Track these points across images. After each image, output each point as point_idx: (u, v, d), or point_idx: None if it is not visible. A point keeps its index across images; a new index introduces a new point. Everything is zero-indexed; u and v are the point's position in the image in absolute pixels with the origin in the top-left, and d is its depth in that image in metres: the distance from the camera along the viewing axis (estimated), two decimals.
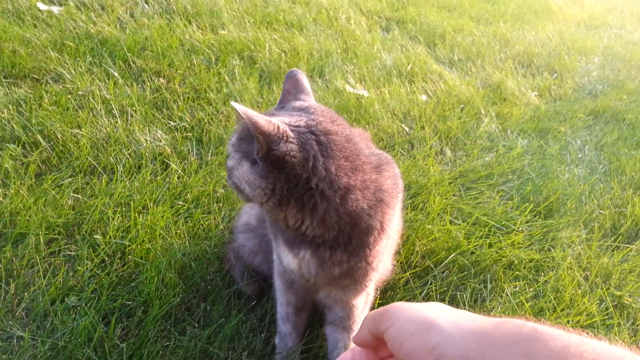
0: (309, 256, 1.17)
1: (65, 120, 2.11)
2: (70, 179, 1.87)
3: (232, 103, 1.01)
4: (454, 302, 1.71)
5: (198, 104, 2.50)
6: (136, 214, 1.75)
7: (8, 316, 1.41)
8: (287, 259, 1.23)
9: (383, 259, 1.32)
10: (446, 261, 1.83)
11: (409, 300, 1.69)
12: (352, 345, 1.41)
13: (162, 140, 2.17)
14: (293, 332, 1.46)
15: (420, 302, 0.71)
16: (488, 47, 4.37)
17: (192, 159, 2.12)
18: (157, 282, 1.52)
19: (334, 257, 1.16)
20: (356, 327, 1.44)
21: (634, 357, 0.46)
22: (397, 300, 1.67)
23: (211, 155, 2.17)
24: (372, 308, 1.61)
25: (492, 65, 4.00)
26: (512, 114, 3.23)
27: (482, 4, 5.84)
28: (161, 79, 2.62)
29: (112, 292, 1.51)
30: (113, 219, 1.72)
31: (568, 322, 1.71)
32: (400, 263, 1.81)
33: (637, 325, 1.81)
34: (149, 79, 2.59)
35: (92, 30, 2.86)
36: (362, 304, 1.41)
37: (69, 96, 2.28)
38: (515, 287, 1.82)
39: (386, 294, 1.71)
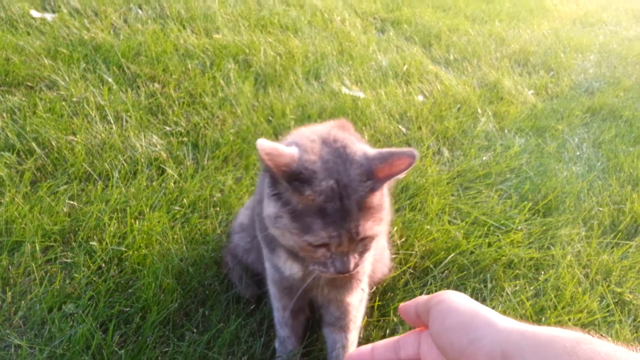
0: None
1: (59, 127, 2.10)
2: (65, 186, 1.86)
3: None
4: None
5: (193, 108, 2.50)
6: (132, 220, 1.74)
7: (5, 325, 1.40)
8: (291, 269, 1.22)
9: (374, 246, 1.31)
10: (445, 261, 1.82)
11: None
12: (350, 345, 1.41)
13: (158, 146, 2.16)
14: (292, 336, 1.45)
15: None
16: (484, 46, 4.37)
17: (188, 163, 2.11)
18: (154, 288, 1.51)
19: None
20: (353, 326, 1.43)
21: None
22: (398, 302, 1.66)
23: (207, 160, 2.16)
24: (371, 310, 1.60)
25: (488, 65, 4.00)
26: (509, 113, 3.22)
27: (477, 3, 5.84)
28: (156, 84, 2.62)
29: (110, 298, 1.50)
30: (109, 225, 1.71)
31: (569, 320, 1.70)
32: (400, 264, 1.80)
33: (639, 322, 1.80)
34: (144, 84, 2.58)
35: (85, 36, 2.85)
36: (357, 301, 1.40)
37: (63, 103, 2.27)
38: (516, 286, 1.81)
39: (386, 296, 1.70)
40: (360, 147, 1.06)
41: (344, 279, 1.29)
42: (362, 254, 1.06)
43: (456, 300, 0.62)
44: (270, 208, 1.03)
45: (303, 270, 1.20)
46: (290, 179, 0.96)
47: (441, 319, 0.61)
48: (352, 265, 1.04)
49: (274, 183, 1.01)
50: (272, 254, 1.25)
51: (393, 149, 1.05)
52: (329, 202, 0.96)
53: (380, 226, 1.04)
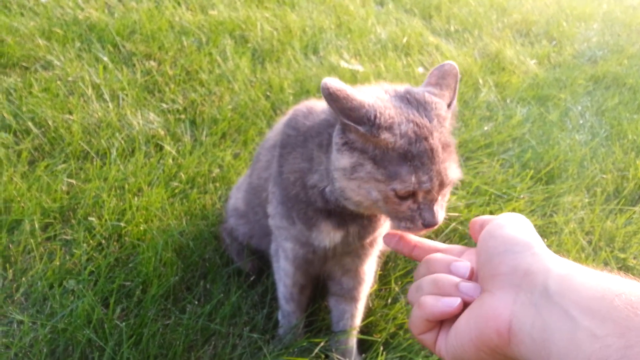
0: (355, 227, 1.16)
1: (56, 106, 2.09)
2: (63, 165, 1.85)
3: None
4: None
5: (190, 85, 2.47)
6: (131, 196, 1.73)
7: (7, 301, 1.40)
8: (333, 239, 1.18)
9: None
10: (447, 230, 1.81)
11: (409, 271, 1.67)
12: (359, 314, 1.42)
13: (155, 123, 2.15)
14: (297, 310, 1.44)
15: None
16: (485, 16, 4.31)
17: (186, 140, 2.10)
18: (154, 262, 1.51)
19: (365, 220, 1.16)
20: (363, 295, 1.43)
21: None
22: (399, 272, 1.66)
23: (205, 136, 2.14)
24: (374, 280, 1.59)
25: (489, 35, 3.95)
26: (511, 83, 3.19)
27: None
28: (152, 62, 2.59)
29: (110, 273, 1.50)
30: (108, 202, 1.70)
31: None
32: None
33: None
34: (140, 62, 2.56)
35: (80, 16, 2.82)
36: (371, 270, 1.40)
37: (59, 82, 2.25)
38: None
39: (387, 265, 1.69)
40: (415, 88, 1.00)
41: (362, 248, 1.28)
42: (443, 204, 0.97)
43: (513, 221, 0.63)
44: (343, 159, 0.93)
45: (343, 239, 1.18)
46: (362, 122, 0.88)
47: (497, 225, 0.63)
48: (441, 217, 0.94)
49: (344, 132, 0.93)
50: (310, 230, 1.17)
51: (432, 74, 1.01)
52: (412, 144, 0.88)
53: (459, 169, 0.98)
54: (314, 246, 1.23)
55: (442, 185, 0.91)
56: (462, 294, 0.62)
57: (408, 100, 0.94)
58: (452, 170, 0.93)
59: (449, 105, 0.97)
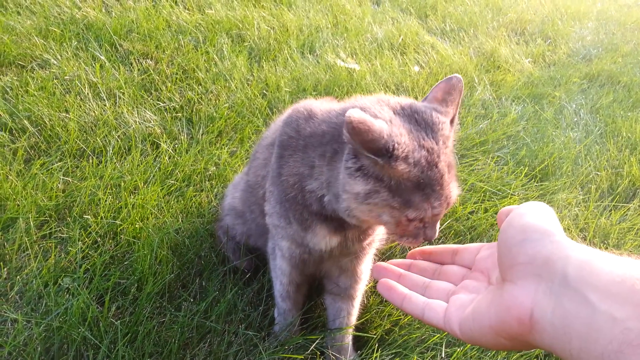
0: (354, 232, 1.18)
1: (52, 105, 2.09)
2: (59, 163, 1.85)
3: None
4: None
5: (187, 84, 2.48)
6: (127, 194, 1.74)
7: (2, 300, 1.40)
8: (329, 243, 1.20)
9: None
10: (442, 227, 1.82)
11: None
12: (354, 312, 1.43)
13: (152, 121, 2.15)
14: (293, 308, 1.45)
15: None
16: (480, 16, 4.32)
17: (183, 138, 2.10)
18: (150, 260, 1.51)
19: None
20: (359, 293, 1.43)
21: None
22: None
23: (202, 134, 2.15)
24: (370, 277, 1.60)
25: (484, 34, 3.96)
26: (506, 81, 3.20)
27: None
28: (149, 61, 2.59)
29: (105, 271, 1.50)
30: (104, 200, 1.71)
31: None
32: None
33: None
34: (137, 61, 2.56)
35: (77, 15, 2.82)
36: (367, 269, 1.41)
37: (56, 81, 2.25)
38: None
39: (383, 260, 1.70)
40: (421, 104, 1.01)
41: (361, 249, 1.30)
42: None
43: (533, 209, 0.63)
44: (357, 185, 0.95)
45: (341, 243, 1.20)
46: (380, 154, 0.89)
47: (511, 219, 0.62)
48: (438, 230, 1.02)
49: (356, 157, 0.94)
50: (305, 232, 1.18)
51: (438, 86, 1.03)
52: (424, 172, 0.91)
53: (459, 186, 1.02)
54: (309, 248, 1.23)
55: (448, 206, 0.97)
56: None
57: (416, 121, 0.96)
58: (455, 190, 0.98)
59: (451, 122, 1.00)
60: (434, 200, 0.93)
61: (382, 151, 0.88)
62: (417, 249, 0.85)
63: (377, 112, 0.95)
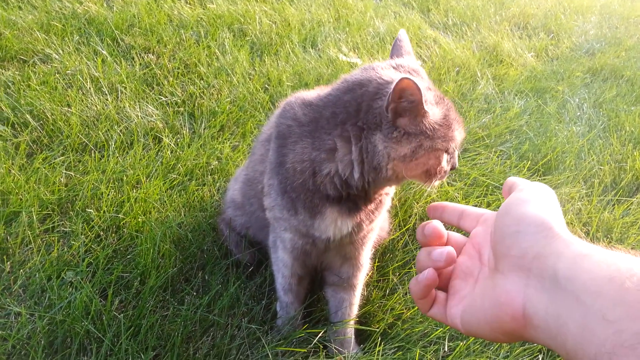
0: (362, 214, 1.20)
1: (54, 99, 2.09)
2: (62, 157, 1.85)
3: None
4: None
5: (189, 78, 2.47)
6: (129, 188, 1.74)
7: (5, 293, 1.40)
8: (331, 227, 1.20)
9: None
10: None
11: (407, 261, 1.67)
12: (356, 302, 1.43)
13: (154, 116, 2.15)
14: (295, 301, 1.45)
15: None
16: (483, 9, 4.30)
17: (185, 132, 2.10)
18: (153, 254, 1.51)
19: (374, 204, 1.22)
20: (361, 283, 1.44)
21: None
22: (397, 263, 1.66)
23: (204, 129, 2.14)
24: (371, 271, 1.60)
25: (487, 28, 3.94)
26: (509, 75, 3.18)
27: None
28: (150, 55, 2.59)
29: (108, 265, 1.50)
30: (106, 194, 1.71)
31: None
32: (399, 225, 1.80)
33: None
34: (138, 55, 2.55)
35: (78, 10, 2.81)
36: (368, 258, 1.42)
37: (57, 76, 2.25)
38: None
39: (385, 257, 1.70)
40: (400, 60, 1.17)
41: (362, 236, 1.31)
42: None
43: (535, 196, 0.62)
44: (402, 148, 1.03)
45: (352, 226, 1.21)
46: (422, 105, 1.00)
47: (510, 205, 0.62)
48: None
49: (393, 124, 1.02)
50: (313, 219, 1.19)
51: (396, 46, 1.22)
52: (443, 105, 1.06)
53: None
54: (314, 237, 1.23)
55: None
56: (434, 262, 0.69)
57: (409, 72, 1.09)
58: None
59: None
60: (458, 126, 1.08)
61: (422, 102, 0.98)
62: (436, 203, 0.84)
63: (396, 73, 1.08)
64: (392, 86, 0.96)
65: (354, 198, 1.15)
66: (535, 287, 0.53)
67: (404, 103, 0.98)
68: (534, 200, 0.61)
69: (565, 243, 0.54)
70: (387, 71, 1.08)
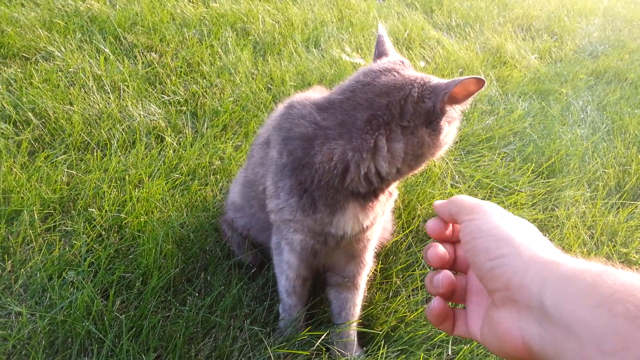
0: (378, 206, 1.23)
1: (56, 97, 2.08)
2: (63, 156, 1.84)
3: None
4: None
5: (191, 77, 2.46)
6: (131, 188, 1.73)
7: (6, 293, 1.39)
8: (350, 222, 1.20)
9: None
10: None
11: (410, 263, 1.66)
12: (359, 302, 1.42)
13: (156, 115, 2.14)
14: (299, 304, 1.44)
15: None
16: (486, 11, 4.29)
17: (187, 132, 2.09)
18: (155, 254, 1.50)
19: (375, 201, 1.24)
20: (364, 283, 1.43)
21: None
22: (400, 265, 1.65)
23: (206, 128, 2.13)
24: (375, 273, 1.59)
25: (491, 30, 3.93)
26: (512, 77, 3.17)
27: None
28: (153, 54, 2.58)
29: (110, 265, 1.49)
30: (108, 193, 1.69)
31: None
32: (402, 227, 1.79)
33: None
34: (141, 54, 2.54)
35: (81, 7, 2.80)
36: (371, 258, 1.42)
37: (60, 73, 2.24)
38: None
39: (389, 259, 1.69)
40: (396, 57, 1.26)
41: (371, 232, 1.32)
42: None
43: (486, 220, 0.62)
44: (450, 136, 1.17)
45: (371, 220, 1.24)
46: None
47: (469, 237, 0.62)
48: None
49: (439, 118, 1.11)
50: (333, 215, 1.19)
51: (379, 43, 1.29)
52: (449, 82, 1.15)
53: None
54: (327, 234, 1.22)
55: None
56: (435, 288, 0.70)
57: (407, 67, 1.21)
58: None
59: None
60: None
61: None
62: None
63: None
64: (456, 88, 1.07)
65: (375, 190, 1.19)
66: (526, 318, 0.54)
67: (463, 99, 1.10)
68: (485, 223, 0.62)
69: (543, 264, 0.54)
70: (413, 72, 1.18)
